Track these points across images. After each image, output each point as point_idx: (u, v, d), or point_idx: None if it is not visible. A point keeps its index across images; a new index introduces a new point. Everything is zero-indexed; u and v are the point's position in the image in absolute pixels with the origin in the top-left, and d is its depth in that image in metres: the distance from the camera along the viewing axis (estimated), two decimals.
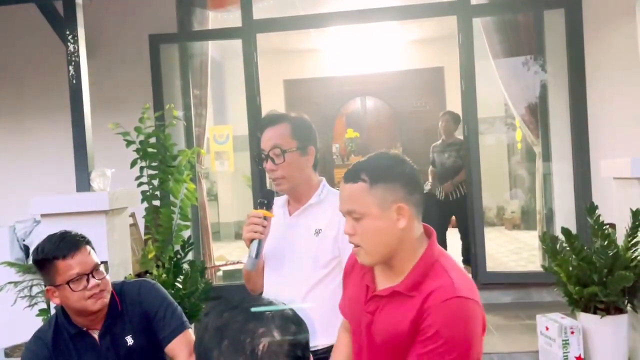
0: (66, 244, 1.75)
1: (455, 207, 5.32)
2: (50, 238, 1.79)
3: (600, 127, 4.33)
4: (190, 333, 1.88)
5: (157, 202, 3.53)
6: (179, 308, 1.91)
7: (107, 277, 1.81)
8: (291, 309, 1.03)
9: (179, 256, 3.47)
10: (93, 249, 1.82)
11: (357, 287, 1.48)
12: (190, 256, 3.76)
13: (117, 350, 1.82)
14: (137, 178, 3.46)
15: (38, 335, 1.86)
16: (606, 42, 4.25)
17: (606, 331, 3.17)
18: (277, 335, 0.92)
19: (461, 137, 5.36)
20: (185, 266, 3.59)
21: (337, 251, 1.80)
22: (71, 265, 1.73)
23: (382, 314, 1.37)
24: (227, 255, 6.06)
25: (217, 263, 5.10)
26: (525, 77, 4.90)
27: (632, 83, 3.54)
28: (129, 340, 1.82)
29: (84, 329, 1.82)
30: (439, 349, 1.25)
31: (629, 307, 3.16)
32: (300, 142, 1.81)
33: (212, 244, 5.07)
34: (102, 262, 1.81)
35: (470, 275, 1.44)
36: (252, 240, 1.74)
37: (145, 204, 3.50)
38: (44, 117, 4.83)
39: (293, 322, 0.98)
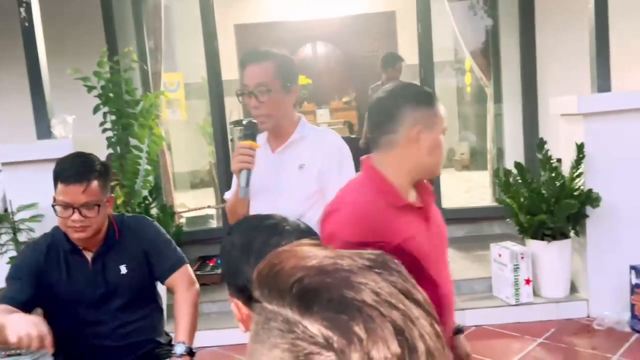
0: (70, 170, 1.73)
1: None
2: (71, 156, 1.78)
3: (548, 67, 4.55)
4: (188, 267, 1.96)
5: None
6: (174, 244, 1.97)
7: (105, 215, 1.82)
8: (303, 223, 1.13)
9: (147, 202, 3.49)
10: (107, 184, 1.80)
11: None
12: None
13: (106, 275, 1.86)
14: (102, 124, 3.39)
15: (35, 242, 1.91)
16: None
17: (552, 255, 3.48)
18: None
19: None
20: (154, 211, 3.61)
21: (319, 184, 1.91)
22: (64, 192, 1.72)
23: None
24: (186, 204, 6.05)
25: (179, 210, 5.11)
26: (478, 20, 5.04)
27: (578, 25, 3.73)
28: (122, 269, 1.87)
29: (79, 247, 1.85)
30: None
31: (572, 233, 3.47)
32: (284, 80, 1.85)
33: (173, 191, 5.07)
34: (104, 201, 1.79)
35: None
36: (241, 171, 1.81)
37: (110, 151, 3.46)
38: None
39: (310, 233, 1.08)
